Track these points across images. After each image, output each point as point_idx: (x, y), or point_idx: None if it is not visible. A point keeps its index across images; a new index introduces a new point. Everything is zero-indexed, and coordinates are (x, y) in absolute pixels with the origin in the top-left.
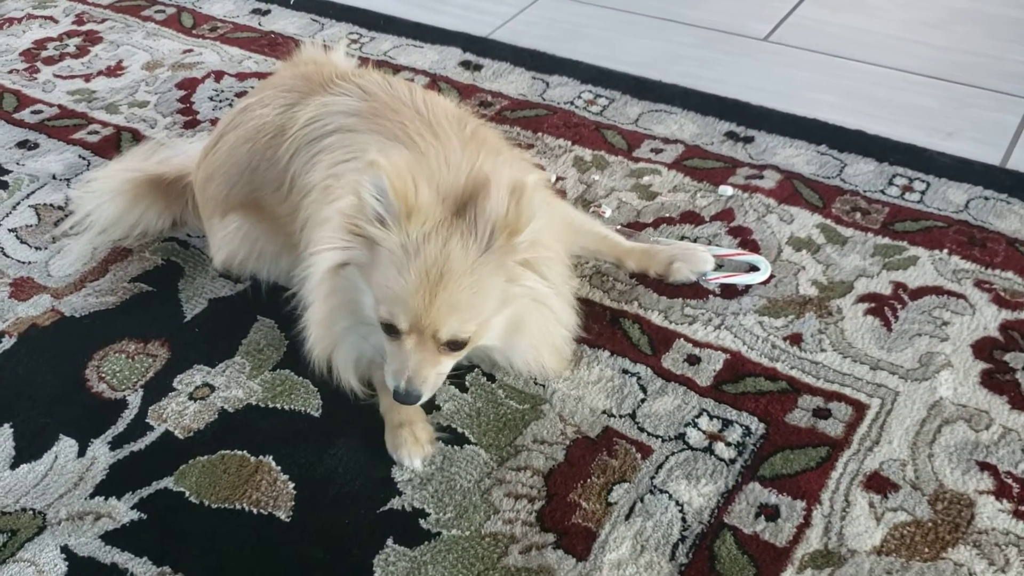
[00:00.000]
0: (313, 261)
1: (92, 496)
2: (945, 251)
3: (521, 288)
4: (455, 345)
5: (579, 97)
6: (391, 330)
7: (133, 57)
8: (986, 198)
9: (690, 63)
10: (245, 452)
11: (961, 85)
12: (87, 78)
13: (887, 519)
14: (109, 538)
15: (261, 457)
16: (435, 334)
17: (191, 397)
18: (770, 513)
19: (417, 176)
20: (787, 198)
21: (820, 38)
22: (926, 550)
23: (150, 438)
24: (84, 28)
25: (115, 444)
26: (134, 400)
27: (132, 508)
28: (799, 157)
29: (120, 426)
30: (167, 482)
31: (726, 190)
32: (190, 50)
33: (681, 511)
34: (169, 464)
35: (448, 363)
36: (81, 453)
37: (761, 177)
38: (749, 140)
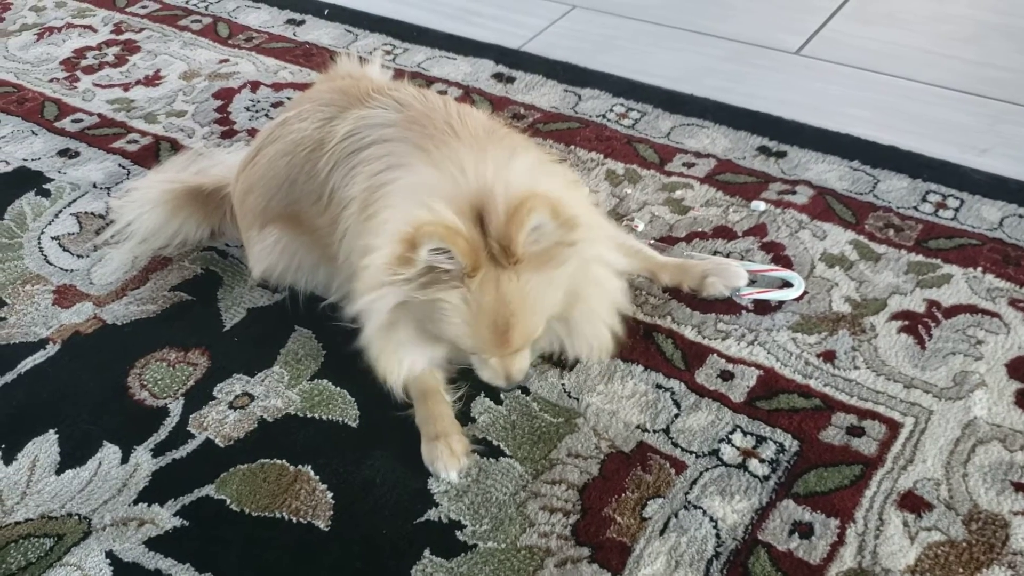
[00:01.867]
0: (366, 306)
1: (135, 502)
2: (979, 269)
3: (582, 273)
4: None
5: (611, 111)
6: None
7: (170, 67)
8: (1020, 216)
9: (721, 76)
10: (284, 461)
11: (994, 100)
12: (125, 87)
13: (921, 538)
14: (152, 544)
15: (300, 466)
16: (518, 347)
17: (231, 406)
18: (804, 531)
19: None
20: (820, 214)
21: (852, 52)
22: (960, 570)
23: (191, 446)
24: (122, 38)
25: (157, 451)
26: (175, 408)
27: (174, 515)
28: (832, 173)
29: (162, 434)
30: (208, 490)
31: (759, 205)
32: (226, 60)
33: (715, 527)
34: (210, 472)
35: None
36: (124, 460)
37: (794, 192)
38: (782, 155)
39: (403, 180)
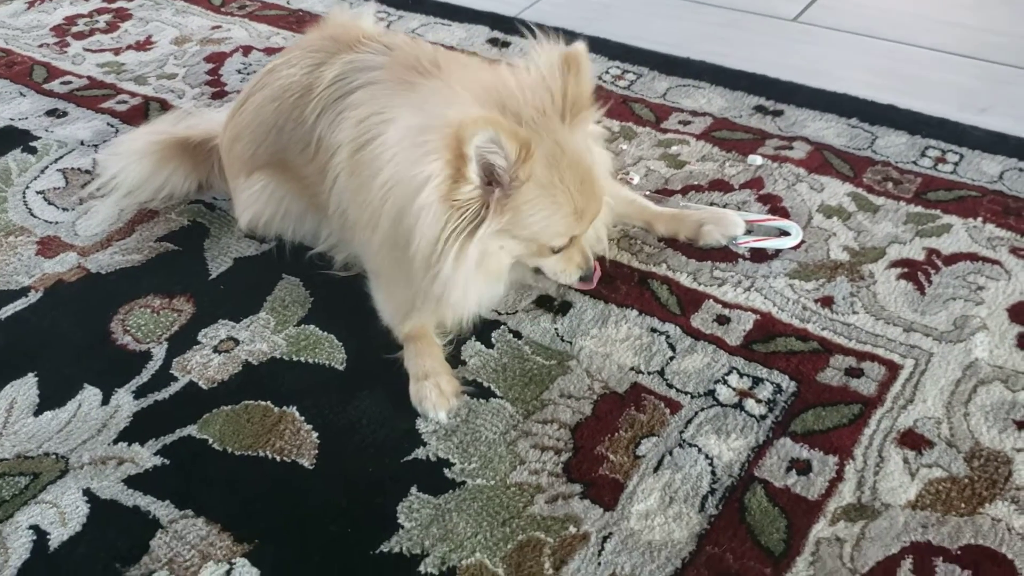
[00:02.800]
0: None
1: (115, 442)
2: (979, 219)
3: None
4: None
5: (607, 72)
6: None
7: (162, 32)
8: (1021, 169)
9: (718, 42)
10: (269, 403)
11: (995, 64)
12: (116, 52)
13: (922, 475)
14: (132, 482)
15: (285, 408)
16: (598, 208)
17: (215, 350)
18: (802, 467)
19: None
20: (817, 168)
21: (850, 18)
22: (963, 505)
23: (174, 388)
24: (114, 6)
25: (139, 393)
26: (159, 352)
27: (155, 454)
28: (829, 130)
29: (144, 376)
30: (191, 430)
31: (755, 159)
32: (218, 26)
33: (711, 464)
34: (193, 413)
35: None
36: (105, 401)
37: (791, 148)
38: (778, 113)
39: (399, 113)
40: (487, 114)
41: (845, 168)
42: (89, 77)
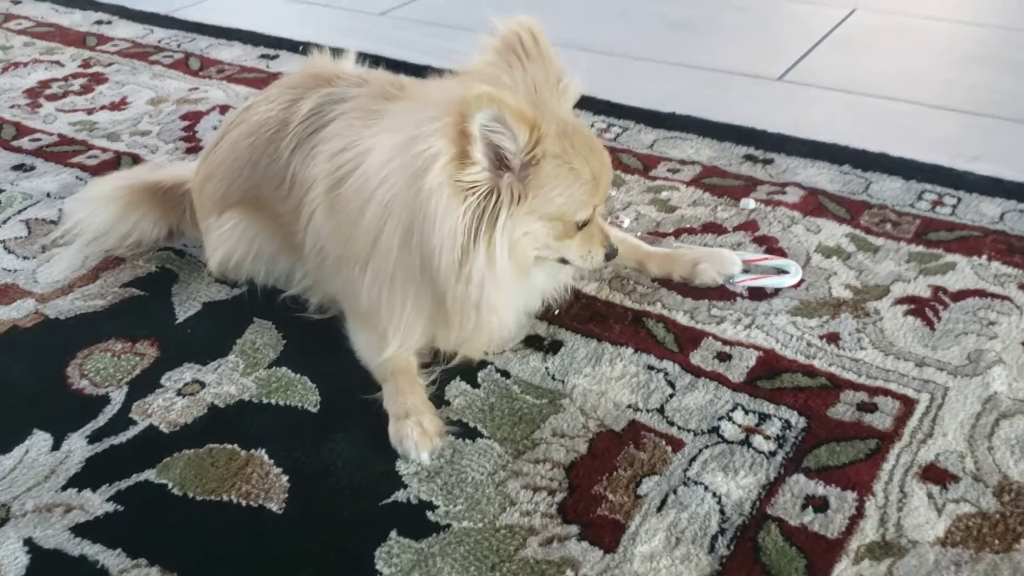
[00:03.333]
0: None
1: (64, 488)
2: (984, 257)
3: None
4: None
5: (592, 126)
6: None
7: (138, 94)
8: (1021, 210)
9: (703, 100)
10: (235, 446)
11: (981, 116)
12: (89, 111)
13: (949, 510)
14: (79, 530)
15: (253, 451)
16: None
17: (179, 393)
18: (818, 504)
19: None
20: (812, 211)
21: (834, 77)
22: (996, 542)
23: (132, 432)
24: (90, 71)
25: (94, 438)
26: (117, 396)
27: (108, 500)
28: (821, 176)
29: (101, 421)
30: (148, 474)
31: (748, 203)
32: (196, 88)
33: (719, 503)
34: (152, 457)
35: None
36: (56, 447)
37: (783, 192)
38: (768, 162)
39: (376, 141)
40: (491, 90)
41: (841, 211)
42: (60, 135)
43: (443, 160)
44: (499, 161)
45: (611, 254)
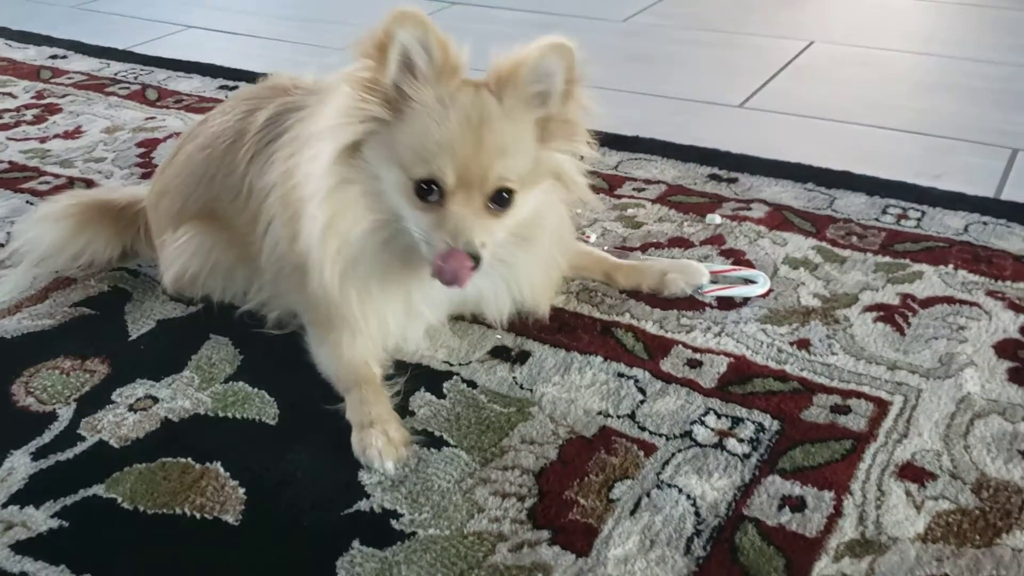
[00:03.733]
0: (313, 151)
1: (4, 506)
2: (951, 266)
3: (549, 156)
4: (502, 200)
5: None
6: (430, 191)
7: (92, 123)
8: (985, 223)
9: (667, 126)
10: (189, 459)
11: (943, 138)
12: (42, 140)
13: (928, 507)
14: (21, 547)
15: (208, 464)
16: (484, 183)
17: (131, 408)
18: (795, 504)
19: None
20: (778, 225)
21: (795, 104)
22: (977, 537)
23: (80, 448)
24: (44, 101)
25: (38, 455)
26: (65, 413)
27: (52, 516)
28: (786, 193)
29: (46, 437)
30: (96, 489)
31: (714, 218)
32: (152, 118)
33: (694, 505)
34: (100, 473)
35: (496, 229)
36: None
37: (749, 208)
38: (733, 180)
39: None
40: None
41: (807, 225)
42: (10, 162)
43: (354, 69)
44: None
45: (446, 256)
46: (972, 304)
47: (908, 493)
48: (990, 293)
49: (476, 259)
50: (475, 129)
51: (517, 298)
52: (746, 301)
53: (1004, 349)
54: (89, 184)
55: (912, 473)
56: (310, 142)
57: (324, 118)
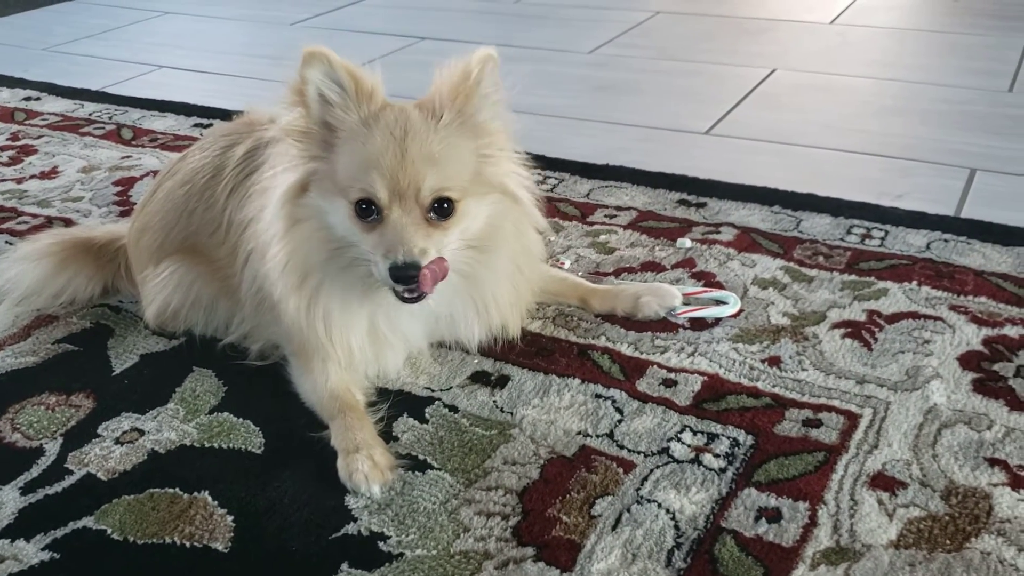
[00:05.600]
0: (263, 201)
1: None
2: (915, 283)
3: (495, 168)
4: (442, 211)
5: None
6: (368, 211)
7: (69, 164)
8: (946, 240)
9: (635, 153)
10: (177, 489)
11: (903, 159)
12: (19, 181)
13: (900, 514)
14: None
15: (196, 493)
16: (418, 193)
17: (117, 441)
18: (771, 515)
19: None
20: (746, 247)
21: (759, 130)
22: (948, 542)
23: (68, 481)
24: (19, 143)
25: (27, 489)
26: (52, 448)
27: (43, 549)
28: (753, 216)
29: (34, 472)
30: (86, 521)
31: (685, 242)
32: (128, 156)
33: (673, 519)
34: (90, 505)
35: (440, 238)
36: None
37: (718, 232)
38: (701, 205)
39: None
40: (322, 48)
41: (774, 247)
42: None
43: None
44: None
45: (397, 271)
46: (936, 319)
47: (880, 502)
48: (953, 307)
49: (418, 266)
50: (399, 142)
51: (483, 316)
52: (718, 321)
53: (968, 361)
54: (68, 223)
55: (883, 482)
56: (263, 195)
57: (270, 171)
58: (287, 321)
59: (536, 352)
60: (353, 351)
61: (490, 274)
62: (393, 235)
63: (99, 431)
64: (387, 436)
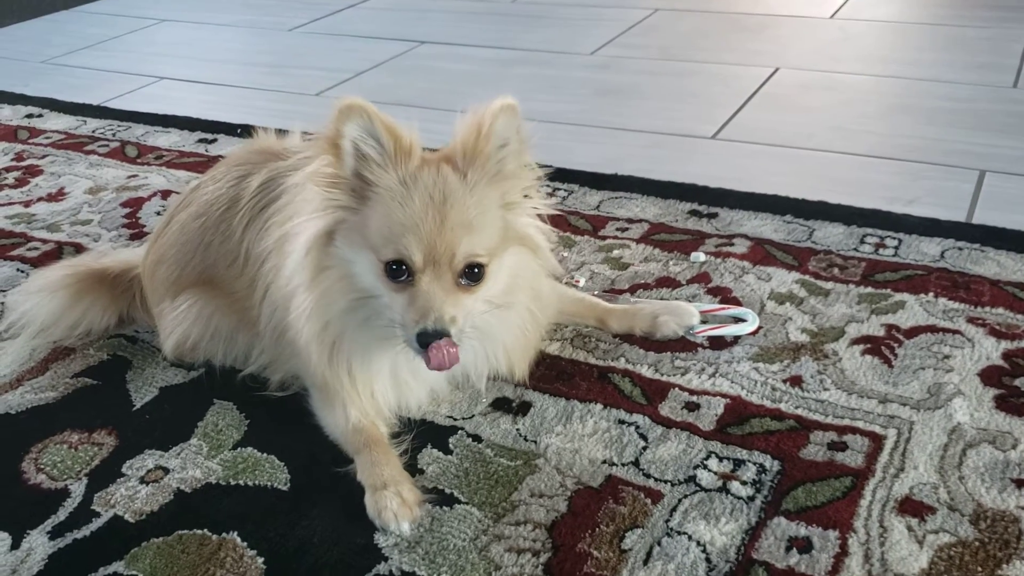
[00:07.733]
0: (290, 248)
1: None
2: (931, 294)
3: (516, 219)
4: (473, 275)
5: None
6: (400, 272)
7: (75, 184)
8: (960, 248)
9: (642, 160)
10: (205, 531)
11: (911, 162)
12: (26, 204)
13: (930, 541)
14: None
15: (224, 535)
16: (452, 260)
17: (142, 481)
18: (802, 545)
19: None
20: (761, 260)
21: (766, 134)
22: (979, 569)
23: (96, 524)
24: (24, 164)
25: (55, 534)
26: (77, 489)
27: None
28: (766, 226)
29: (61, 515)
30: (117, 567)
31: (699, 256)
32: (135, 176)
33: (704, 551)
34: (119, 549)
35: (468, 302)
36: (15, 546)
37: (732, 244)
38: (713, 215)
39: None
40: (362, 101)
41: (788, 259)
42: None
43: (314, 166)
44: (362, 174)
45: (427, 339)
46: (955, 332)
47: (909, 528)
48: (971, 320)
49: (447, 334)
50: (439, 207)
51: (493, 364)
52: (737, 339)
53: (989, 376)
54: (78, 248)
55: (912, 507)
56: (288, 241)
57: (297, 217)
58: (311, 366)
59: (556, 376)
60: (376, 396)
61: (504, 327)
62: (424, 301)
63: (123, 470)
64: (412, 469)
